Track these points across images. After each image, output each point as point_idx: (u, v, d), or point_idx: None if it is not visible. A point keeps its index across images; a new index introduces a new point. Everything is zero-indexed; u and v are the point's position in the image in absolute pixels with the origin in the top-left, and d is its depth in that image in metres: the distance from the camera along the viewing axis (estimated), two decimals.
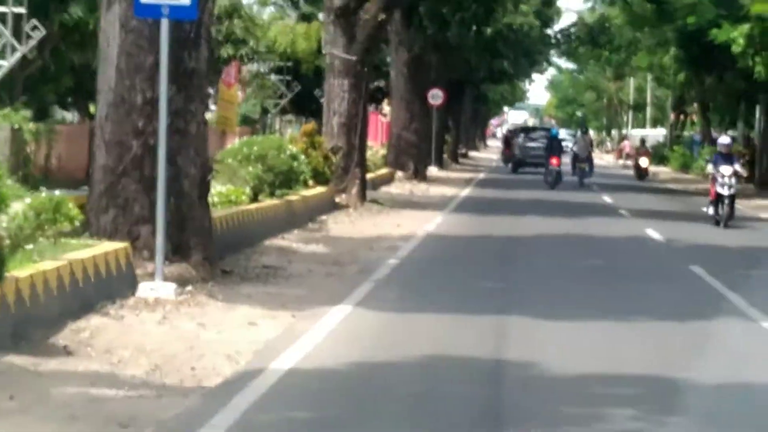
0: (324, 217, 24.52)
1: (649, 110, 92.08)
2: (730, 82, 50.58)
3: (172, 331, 11.42)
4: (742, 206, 36.03)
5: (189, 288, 13.57)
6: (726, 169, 25.90)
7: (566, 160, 51.86)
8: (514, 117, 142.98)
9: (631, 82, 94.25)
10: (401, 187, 37.20)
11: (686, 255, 20.20)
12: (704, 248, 21.57)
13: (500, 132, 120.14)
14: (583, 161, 44.75)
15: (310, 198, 24.36)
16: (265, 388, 9.00)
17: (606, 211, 30.70)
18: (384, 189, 35.38)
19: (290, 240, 20.15)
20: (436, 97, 50.85)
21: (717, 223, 25.82)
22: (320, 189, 26.06)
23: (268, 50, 45.55)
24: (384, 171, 37.95)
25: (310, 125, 27.36)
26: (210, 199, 19.37)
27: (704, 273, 17.33)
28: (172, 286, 13.09)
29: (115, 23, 14.06)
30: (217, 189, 20.60)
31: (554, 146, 41.95)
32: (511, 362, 10.38)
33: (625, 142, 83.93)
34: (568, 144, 59.11)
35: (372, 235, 22.06)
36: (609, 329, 12.28)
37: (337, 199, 27.39)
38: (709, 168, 26.88)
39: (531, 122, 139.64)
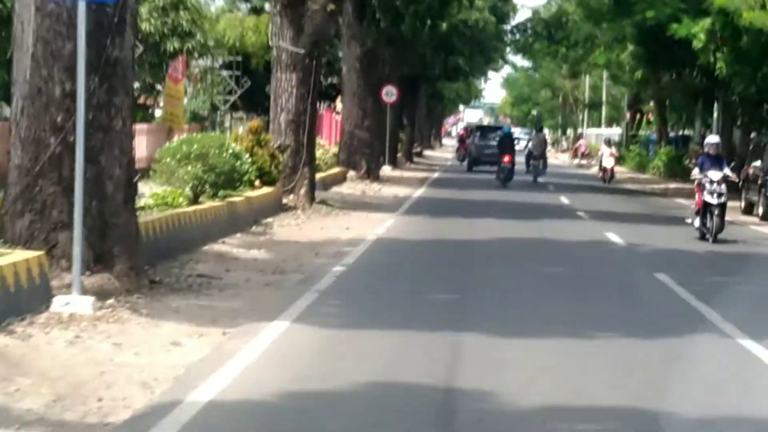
0: (270, 220, 23.24)
1: (604, 109, 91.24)
2: (688, 79, 49.79)
3: (84, 353, 10.12)
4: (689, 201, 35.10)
5: (110, 301, 12.27)
6: (715, 174, 22.35)
7: (521, 159, 51.16)
8: (469, 115, 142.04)
9: (587, 81, 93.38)
10: (353, 187, 35.96)
11: (650, 261, 19.10)
12: (667, 253, 20.49)
13: (455, 130, 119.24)
14: (537, 159, 45.70)
15: (255, 199, 23.08)
16: (176, 427, 7.74)
17: (564, 213, 29.59)
18: (335, 189, 34.13)
19: (231, 245, 18.85)
20: (390, 94, 49.65)
21: (703, 237, 22.45)
22: (267, 189, 24.79)
23: (217, 44, 44.12)
24: (336, 170, 36.69)
25: (256, 122, 26.04)
26: (143, 202, 18.11)
27: (670, 281, 16.20)
28: (90, 300, 11.77)
29: (30, 6, 12.71)
30: (153, 190, 19.32)
31: (506, 144, 42.17)
32: (466, 392, 9.15)
33: (581, 141, 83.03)
34: (524, 142, 59.32)
35: (319, 239, 20.81)
36: (572, 349, 11.08)
37: (285, 201, 26.12)
38: (695, 173, 22.92)
39: (486, 121, 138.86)
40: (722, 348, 11.43)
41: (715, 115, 53.80)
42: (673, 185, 49.48)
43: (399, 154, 59.73)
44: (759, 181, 30.47)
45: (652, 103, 74.27)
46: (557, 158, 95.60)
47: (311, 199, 26.64)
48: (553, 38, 53.20)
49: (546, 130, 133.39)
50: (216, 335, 11.15)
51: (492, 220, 26.26)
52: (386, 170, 48.39)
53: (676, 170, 55.96)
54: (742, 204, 32.48)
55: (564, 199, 35.12)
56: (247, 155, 22.53)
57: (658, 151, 61.05)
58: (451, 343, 11.10)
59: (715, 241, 21.99)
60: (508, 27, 60.27)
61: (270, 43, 27.30)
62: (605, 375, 9.98)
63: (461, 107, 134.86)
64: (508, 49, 72.51)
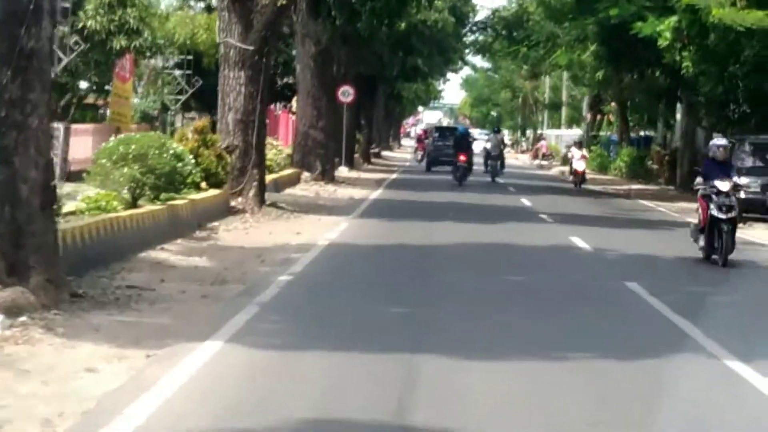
0: (216, 224, 21.88)
1: (564, 110, 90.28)
2: (651, 79, 48.78)
3: None
4: (665, 208, 34.05)
5: (22, 319, 10.92)
6: (723, 184, 18.63)
7: (480, 159, 50.21)
8: (429, 117, 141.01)
9: (547, 81, 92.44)
10: (307, 189, 34.64)
11: (619, 268, 17.91)
12: (637, 260, 19.30)
13: (414, 131, 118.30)
14: (495, 158, 46.74)
15: (200, 202, 21.72)
16: None
17: (526, 216, 28.39)
18: (288, 191, 32.80)
19: (170, 252, 17.50)
20: (346, 93, 48.38)
21: (708, 258, 18.84)
22: (213, 192, 23.45)
23: (168, 43, 42.70)
24: (289, 172, 35.35)
25: (202, 122, 24.69)
26: (74, 206, 16.73)
27: (643, 291, 15.00)
28: None
29: None
30: (86, 194, 17.97)
31: (461, 144, 43.22)
32: (419, 429, 7.87)
33: (542, 142, 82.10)
34: (482, 142, 60.36)
35: (266, 244, 19.50)
36: (542, 373, 9.81)
37: (233, 203, 24.78)
38: (699, 181, 19.11)
39: (446, 122, 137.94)
40: (707, 370, 10.20)
41: (678, 116, 52.89)
42: (635, 186, 48.51)
43: (356, 155, 58.47)
44: None
45: (613, 104, 73.42)
46: (517, 159, 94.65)
47: (261, 201, 25.30)
48: (514, 38, 52.04)
49: (505, 132, 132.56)
50: (138, 358, 9.82)
51: (451, 223, 25.03)
52: (343, 171, 47.09)
53: (639, 171, 55.01)
54: None
55: (525, 201, 33.95)
56: (191, 156, 21.20)
57: (619, 152, 60.07)
58: (404, 366, 9.81)
59: (725, 264, 18.35)
60: (467, 26, 59.04)
61: (218, 39, 25.95)
62: (580, 406, 8.71)
63: (420, 108, 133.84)
64: (467, 50, 71.91)
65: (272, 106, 62.05)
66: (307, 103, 37.81)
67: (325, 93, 37.96)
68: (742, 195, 28.42)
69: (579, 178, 45.69)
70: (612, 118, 74.83)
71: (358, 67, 50.14)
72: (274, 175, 32.22)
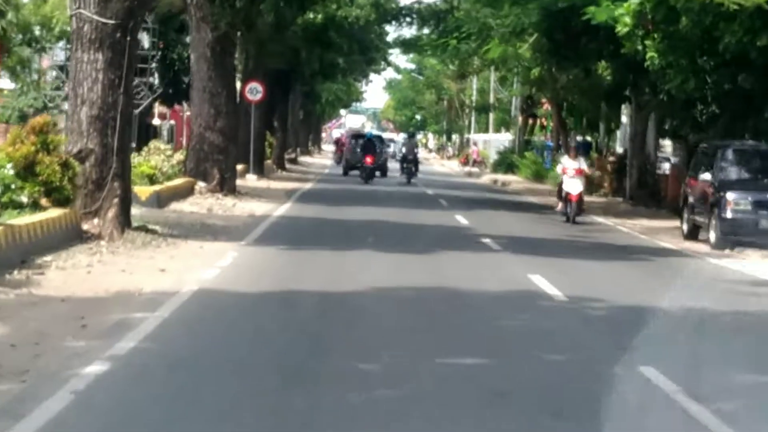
0: (48, 258, 15.83)
1: (493, 113, 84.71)
2: (595, 77, 43.41)
3: None
4: (627, 227, 28.53)
5: None
6: None
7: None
8: (351, 121, 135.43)
9: (474, 82, 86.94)
10: (200, 202, 28.58)
11: (619, 336, 12.01)
12: (638, 319, 13.26)
13: (332, 136, 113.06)
14: (410, 162, 49.53)
15: (25, 228, 15.69)
16: None
17: (465, 240, 22.57)
18: (174, 206, 26.75)
19: None
20: (254, 91, 42.50)
21: None
22: (54, 213, 17.42)
23: (47, 29, 36.63)
24: (179, 182, 29.26)
25: (41, 119, 18.57)
26: None
27: (674, 389, 9.25)
28: None
29: None
30: None
31: (368, 147, 48.55)
32: None
33: (473, 148, 76.64)
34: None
35: (107, 292, 13.55)
36: None
37: (86, 227, 18.75)
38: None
39: (369, 126, 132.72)
40: None
41: (624, 118, 47.50)
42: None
43: (269, 161, 52.50)
44: (710, 199, 23.79)
45: (546, 107, 68.16)
46: (443, 165, 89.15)
47: (124, 224, 19.23)
48: (442, 31, 46.21)
49: (431, 135, 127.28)
50: None
51: (371, 252, 19.19)
52: (250, 180, 41.11)
53: None
54: (685, 226, 25.83)
55: (461, 219, 28.17)
56: (9, 165, 15.16)
57: (556, 159, 54.57)
58: None
59: None
60: (391, 14, 53.35)
61: (68, 10, 19.88)
62: None
63: (343, 112, 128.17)
64: (391, 48, 66.80)
65: (177, 106, 55.95)
66: (202, 99, 31.77)
67: (224, 88, 31.92)
68: (729, 215, 23.08)
69: (574, 208, 28.67)
70: (545, 122, 69.51)
71: (268, 60, 44.18)
72: (156, 187, 26.19)
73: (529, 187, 51.11)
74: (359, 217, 27.17)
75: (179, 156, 31.89)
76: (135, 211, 24.03)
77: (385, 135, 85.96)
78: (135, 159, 27.27)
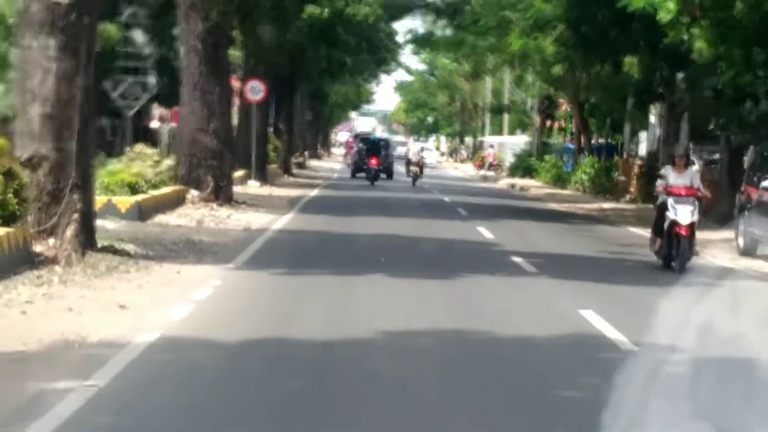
0: None
1: (509, 115, 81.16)
2: (624, 75, 40.03)
3: None
4: (647, 232, 25.10)
5: None
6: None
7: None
8: (362, 124, 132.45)
9: (488, 83, 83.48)
10: (190, 214, 25.22)
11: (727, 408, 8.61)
12: (728, 371, 10.01)
13: (342, 138, 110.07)
14: (415, 165, 49.46)
15: None
16: None
17: (494, 260, 19.20)
18: (160, 219, 23.42)
19: None
20: (255, 90, 39.27)
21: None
22: None
23: None
24: (167, 191, 25.89)
25: None
26: None
27: None
28: None
29: None
30: None
31: (373, 149, 50.69)
32: None
33: (489, 150, 73.19)
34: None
35: (42, 341, 10.30)
36: None
37: (39, 248, 15.42)
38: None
39: (379, 129, 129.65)
40: None
41: (652, 118, 44.08)
42: (606, 205, 39.64)
43: (274, 166, 49.20)
44: None
45: (565, 108, 64.75)
46: (457, 169, 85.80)
47: (85, 244, 15.88)
48: (458, 26, 42.78)
49: (441, 138, 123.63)
50: None
51: (382, 278, 15.83)
52: (251, 187, 37.82)
53: (605, 186, 46.17)
54: (741, 240, 22.41)
55: (484, 231, 24.79)
56: None
57: (580, 164, 51.16)
58: None
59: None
60: (404, 14, 50.05)
61: None
62: None
63: (353, 115, 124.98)
64: (401, 51, 64.10)
65: (178, 108, 52.69)
66: (193, 98, 28.40)
67: (218, 85, 28.56)
68: None
69: (684, 248, 18.40)
70: (564, 123, 66.10)
71: (271, 57, 40.86)
72: (138, 198, 22.87)
73: (550, 193, 47.74)
74: (369, 229, 23.82)
75: (169, 161, 28.57)
76: (112, 225, 20.80)
77: (397, 138, 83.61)
78: (115, 165, 23.98)
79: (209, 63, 28.31)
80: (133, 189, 23.07)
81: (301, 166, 61.52)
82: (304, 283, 15.25)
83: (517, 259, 18.98)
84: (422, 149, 54.37)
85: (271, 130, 52.25)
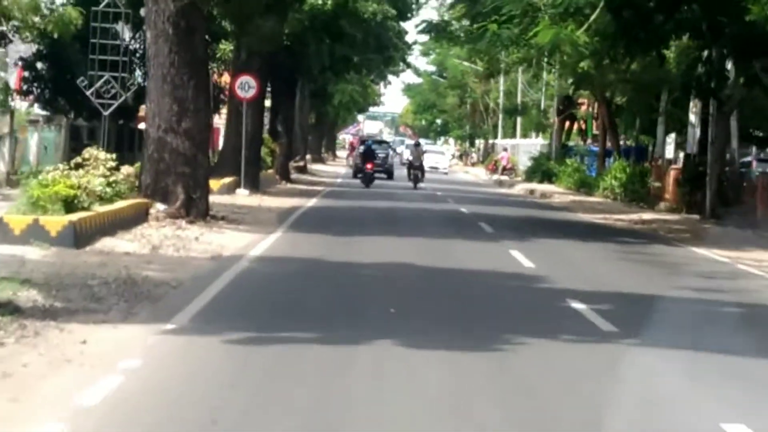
0: None
1: (522, 116, 75.42)
2: (660, 71, 34.52)
3: None
4: (715, 253, 19.56)
5: None
6: None
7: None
8: (369, 127, 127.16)
9: (501, 83, 77.76)
10: (149, 235, 19.51)
11: None
12: None
13: (347, 140, 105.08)
14: (416, 168, 49.36)
15: None
16: None
17: (548, 308, 13.48)
18: (106, 242, 17.75)
19: None
20: (246, 86, 33.72)
21: None
22: None
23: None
24: (120, 206, 20.14)
25: None
26: None
27: None
28: None
29: None
30: None
31: (369, 153, 49.25)
32: None
33: (503, 154, 67.48)
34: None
35: None
36: None
37: None
38: None
39: (387, 132, 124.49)
40: None
41: (693, 117, 38.38)
42: (646, 216, 34.01)
43: (271, 170, 43.64)
44: None
45: (583, 108, 59.16)
46: (468, 173, 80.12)
47: None
48: (476, 13, 36.91)
49: (450, 141, 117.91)
50: None
51: (393, 349, 10.19)
52: (240, 196, 32.29)
53: (639, 193, 40.56)
54: None
55: (520, 257, 19.09)
56: None
57: (609, 168, 45.46)
58: None
59: None
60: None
61: None
62: None
63: (360, 118, 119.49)
64: (410, 51, 59.40)
65: None
66: (162, 92, 22.73)
67: (192, 76, 22.87)
68: None
69: None
70: (585, 125, 60.45)
71: (264, 49, 35.27)
72: (74, 216, 17.22)
73: (577, 201, 42.09)
74: (373, 255, 18.21)
75: (130, 169, 22.95)
76: (36, 254, 15.38)
77: (408, 141, 79.79)
78: (48, 175, 18.38)
79: (182, 50, 22.69)
80: (69, 205, 17.46)
81: (302, 170, 55.91)
82: (273, 365, 9.59)
83: (578, 306, 13.35)
84: (423, 153, 54.43)
85: (268, 131, 46.71)
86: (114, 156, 21.51)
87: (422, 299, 13.79)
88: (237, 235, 21.01)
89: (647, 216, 33.69)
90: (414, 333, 10.96)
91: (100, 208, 18.77)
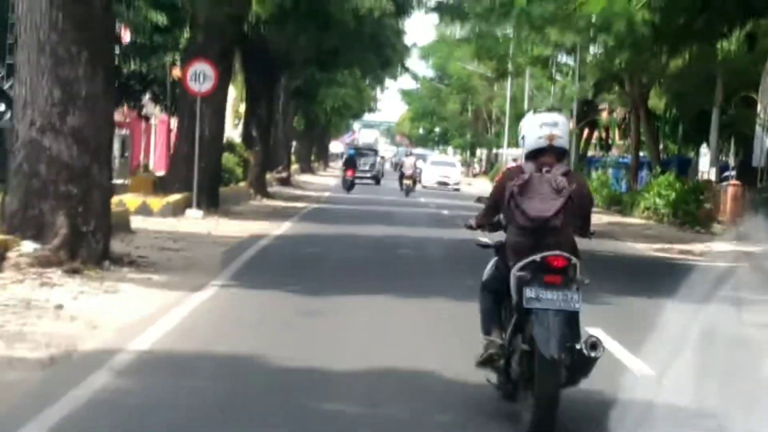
0: None
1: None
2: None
3: None
4: None
5: None
6: None
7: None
8: (364, 136, 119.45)
9: (508, 87, 69.75)
10: None
11: None
12: None
13: (337, 149, 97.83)
14: (408, 178, 49.69)
15: None
16: None
17: None
18: None
19: None
20: (200, 76, 25.48)
21: None
22: None
23: None
24: None
25: None
26: None
27: None
28: None
29: None
30: None
31: (350, 162, 51.82)
32: None
33: (512, 164, 59.30)
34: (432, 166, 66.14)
35: None
36: None
37: None
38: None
39: (382, 141, 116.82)
40: None
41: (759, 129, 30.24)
42: (717, 246, 25.70)
43: (243, 184, 35.45)
44: None
45: (605, 114, 51.07)
46: (471, 185, 71.71)
47: None
48: None
49: (449, 150, 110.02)
50: None
51: None
52: (189, 218, 24.06)
53: (693, 214, 32.40)
54: None
55: (614, 346, 10.73)
56: None
57: (648, 183, 37.26)
58: None
59: None
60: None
61: None
62: None
63: (356, 126, 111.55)
64: (408, 54, 54.61)
65: (124, 108, 38.92)
66: (38, 69, 14.39)
67: (85, 47, 14.53)
68: None
69: None
70: (609, 132, 52.32)
71: (225, 27, 27.03)
72: None
73: (615, 222, 33.89)
74: (355, 352, 9.92)
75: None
76: None
77: (417, 151, 74.30)
78: None
79: (68, 7, 14.37)
80: None
81: (285, 182, 47.62)
82: None
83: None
84: (416, 163, 55.20)
85: (242, 137, 38.52)
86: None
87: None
88: (135, 297, 12.62)
89: (719, 246, 25.43)
90: None
91: None
